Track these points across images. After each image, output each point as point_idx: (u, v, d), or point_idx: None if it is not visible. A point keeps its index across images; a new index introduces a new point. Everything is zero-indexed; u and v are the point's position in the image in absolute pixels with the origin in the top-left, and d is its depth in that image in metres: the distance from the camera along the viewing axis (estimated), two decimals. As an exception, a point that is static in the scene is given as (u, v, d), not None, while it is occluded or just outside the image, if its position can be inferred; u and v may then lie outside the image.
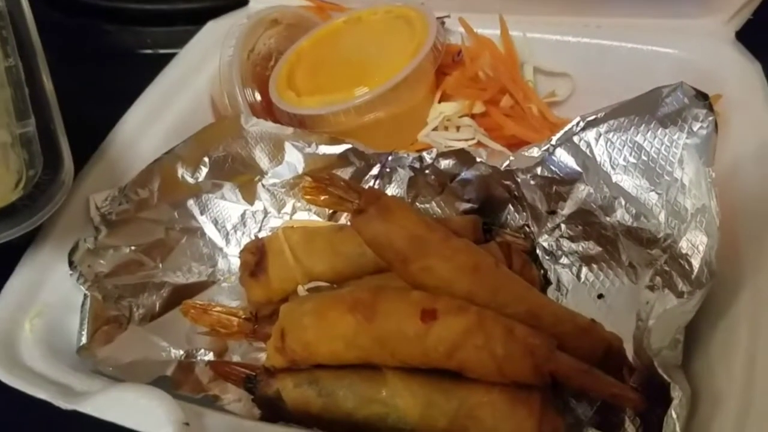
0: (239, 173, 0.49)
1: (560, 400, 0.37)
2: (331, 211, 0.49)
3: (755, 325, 0.35)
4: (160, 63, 0.58)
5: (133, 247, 0.45)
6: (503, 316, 0.35)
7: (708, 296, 0.35)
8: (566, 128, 0.42)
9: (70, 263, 0.42)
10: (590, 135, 0.41)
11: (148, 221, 0.47)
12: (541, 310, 0.38)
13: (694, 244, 0.36)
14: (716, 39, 0.50)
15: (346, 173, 0.48)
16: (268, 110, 0.53)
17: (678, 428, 0.31)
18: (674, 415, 0.32)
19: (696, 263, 0.35)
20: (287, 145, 0.48)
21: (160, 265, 0.47)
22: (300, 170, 0.48)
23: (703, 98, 0.38)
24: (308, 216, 0.50)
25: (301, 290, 0.43)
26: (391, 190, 0.48)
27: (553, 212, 0.44)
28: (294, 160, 0.48)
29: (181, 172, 0.47)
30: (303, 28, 0.56)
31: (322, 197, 0.39)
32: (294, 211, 0.50)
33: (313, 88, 0.50)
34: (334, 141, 0.47)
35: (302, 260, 0.44)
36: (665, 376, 0.33)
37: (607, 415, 0.38)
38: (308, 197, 0.40)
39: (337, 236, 0.45)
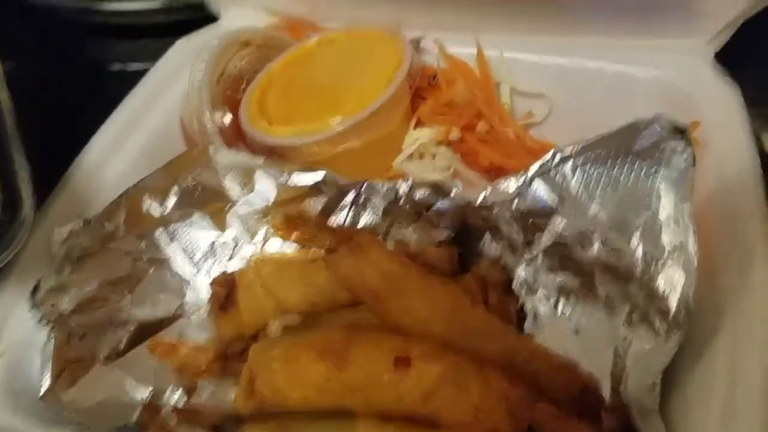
0: (209, 202, 0.47)
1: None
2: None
3: (733, 366, 0.34)
4: (128, 78, 0.56)
5: (98, 282, 0.44)
6: (478, 357, 0.35)
7: (684, 337, 0.34)
8: (542, 160, 0.41)
9: (32, 303, 0.41)
10: (567, 167, 0.40)
11: (113, 253, 0.45)
12: (516, 347, 0.37)
13: (672, 282, 0.36)
14: (696, 61, 0.49)
15: (319, 202, 0.46)
16: (238, 134, 0.51)
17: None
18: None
19: (673, 302, 0.35)
20: (258, 174, 0.46)
21: (126, 300, 0.45)
22: (272, 199, 0.47)
23: (681, 131, 0.37)
24: (281, 244, 0.48)
25: (272, 327, 0.42)
26: (366, 218, 0.46)
27: (529, 243, 0.43)
28: (265, 188, 0.47)
29: (149, 203, 0.45)
30: (275, 49, 0.54)
31: (294, 235, 0.38)
32: (267, 238, 0.49)
33: (285, 115, 0.49)
34: (307, 170, 0.45)
35: (274, 291, 0.43)
36: (640, 422, 0.33)
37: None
38: (280, 233, 0.38)
39: (311, 267, 0.43)
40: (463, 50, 0.54)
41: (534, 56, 0.54)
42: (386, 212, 0.46)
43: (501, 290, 0.42)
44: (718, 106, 0.46)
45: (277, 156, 0.48)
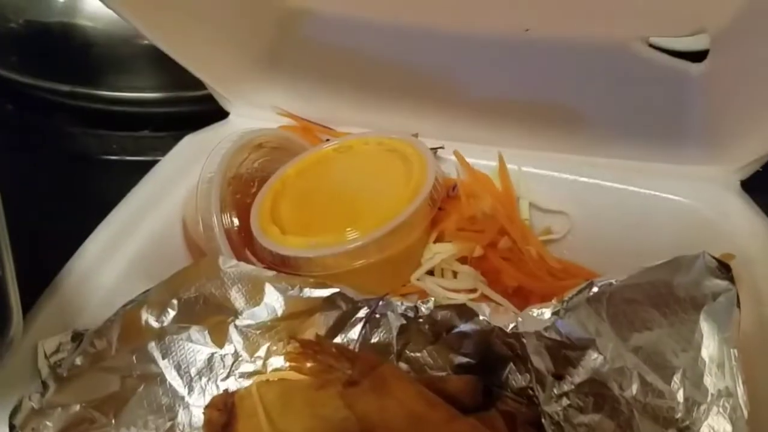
0: (211, 315, 0.44)
1: None
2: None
3: None
4: (125, 170, 0.54)
5: (83, 404, 0.39)
6: None
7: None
8: (578, 289, 0.39)
9: (11, 427, 0.36)
10: (604, 300, 0.38)
11: (102, 371, 0.41)
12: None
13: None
14: (721, 187, 0.48)
15: (330, 317, 0.43)
16: (246, 239, 0.49)
17: None
18: None
19: None
20: (267, 287, 0.43)
21: (113, 421, 0.41)
22: (279, 312, 0.44)
23: (725, 269, 0.36)
24: (284, 362, 0.45)
25: (276, 462, 0.38)
26: (379, 336, 0.43)
27: (560, 377, 0.40)
28: (273, 301, 0.44)
29: (146, 316, 0.42)
30: (289, 152, 0.52)
31: (309, 365, 0.35)
32: (269, 355, 0.45)
33: (299, 225, 0.46)
34: (321, 285, 0.43)
35: (277, 424, 0.39)
36: None
37: None
38: (293, 363, 0.35)
39: (318, 396, 0.40)
40: (481, 162, 0.53)
41: (553, 173, 0.53)
42: (401, 331, 0.43)
43: (530, 428, 0.39)
44: (748, 237, 0.45)
45: (290, 266, 0.45)
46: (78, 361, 0.39)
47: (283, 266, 0.45)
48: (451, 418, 0.34)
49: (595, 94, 0.50)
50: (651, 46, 0.47)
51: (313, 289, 0.43)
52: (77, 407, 0.39)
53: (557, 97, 0.51)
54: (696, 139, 0.48)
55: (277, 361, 0.45)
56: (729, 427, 0.32)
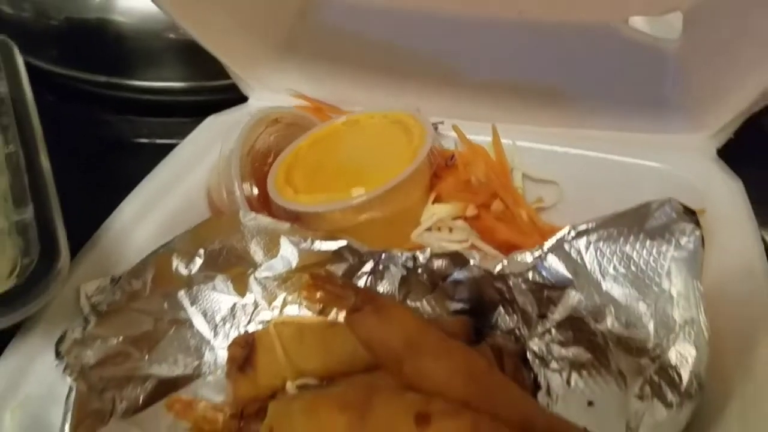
0: (233, 266, 0.49)
1: None
2: (322, 306, 0.49)
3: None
4: (155, 153, 0.59)
5: (120, 338, 0.45)
6: (496, 419, 0.35)
7: (696, 407, 0.35)
8: (558, 236, 0.43)
9: (57, 353, 0.41)
10: (581, 243, 0.42)
11: (137, 312, 0.46)
12: (534, 418, 0.37)
13: (683, 356, 0.37)
14: (699, 155, 0.52)
15: (339, 269, 0.48)
16: (264, 205, 0.54)
17: None
18: None
19: (685, 375, 0.36)
20: (283, 240, 0.48)
21: (147, 357, 0.46)
22: (294, 265, 0.49)
23: (690, 214, 0.40)
24: (298, 309, 0.50)
25: (290, 387, 0.43)
26: (383, 288, 0.48)
27: (543, 316, 0.45)
28: (288, 254, 0.49)
29: (176, 263, 0.47)
30: (302, 128, 0.58)
31: (319, 295, 0.40)
32: (285, 304, 0.50)
33: (310, 185, 0.52)
34: (330, 237, 0.48)
35: (293, 357, 0.44)
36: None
37: None
38: (305, 294, 0.40)
39: (329, 333, 0.45)
40: (478, 137, 0.58)
41: (545, 146, 0.57)
42: (403, 282, 0.48)
43: (516, 361, 0.43)
44: (722, 198, 0.49)
45: (302, 223, 0.50)
46: (116, 297, 0.45)
47: (296, 223, 0.50)
48: (443, 340, 0.39)
49: (581, 72, 0.55)
50: (630, 26, 0.52)
51: (323, 242, 0.48)
52: (115, 341, 0.44)
53: (548, 76, 0.56)
54: (674, 110, 0.53)
55: (292, 310, 0.50)
56: (693, 351, 0.37)
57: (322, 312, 0.50)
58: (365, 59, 0.59)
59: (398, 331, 0.38)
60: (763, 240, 0.47)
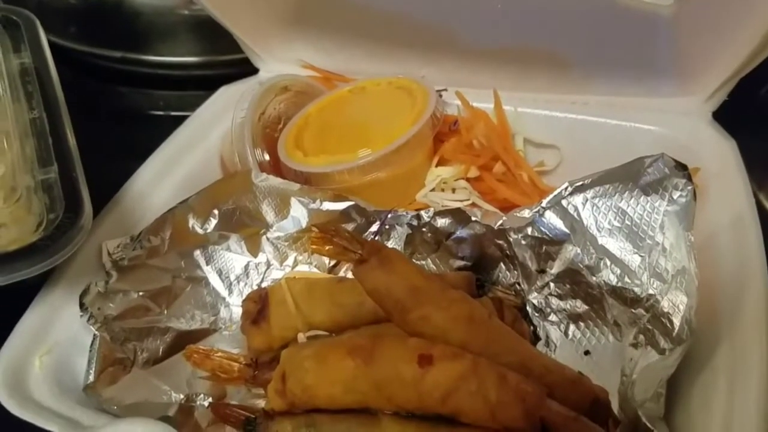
0: (246, 226, 0.51)
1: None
2: (331, 264, 0.52)
3: (732, 378, 0.37)
4: (170, 124, 0.61)
5: (141, 293, 0.47)
6: (495, 363, 0.37)
7: (688, 352, 0.38)
8: (555, 192, 0.45)
9: (81, 305, 0.44)
10: (577, 199, 0.45)
11: (156, 269, 0.48)
12: (531, 362, 0.39)
13: (675, 304, 0.39)
14: (694, 117, 0.54)
15: (347, 228, 0.50)
16: (275, 169, 0.56)
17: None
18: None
19: (677, 322, 0.38)
20: (293, 201, 0.51)
21: (165, 311, 0.48)
22: (304, 225, 0.51)
23: (682, 168, 0.42)
24: (308, 269, 0.52)
25: (301, 337, 0.45)
26: (389, 246, 0.50)
27: (542, 271, 0.47)
28: (299, 214, 0.51)
29: (192, 222, 0.50)
30: (311, 96, 0.60)
31: (327, 247, 0.42)
32: (296, 263, 0.52)
33: (319, 148, 0.54)
34: (338, 198, 0.50)
35: (303, 309, 0.46)
36: (649, 425, 0.35)
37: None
38: (314, 246, 0.42)
39: (337, 287, 0.47)
40: (481, 104, 0.60)
41: (545, 112, 0.59)
42: (408, 241, 0.50)
43: (516, 313, 0.45)
44: (716, 158, 0.51)
45: (311, 182, 0.52)
46: (136, 252, 0.47)
47: (306, 184, 0.52)
48: (445, 288, 0.41)
49: (579, 39, 0.56)
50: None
51: (331, 203, 0.50)
52: (135, 295, 0.47)
53: (546, 43, 0.57)
54: (669, 74, 0.54)
55: (303, 269, 0.53)
56: (685, 299, 0.39)
57: (331, 271, 0.52)
58: (370, 30, 0.61)
59: (403, 281, 0.40)
60: (758, 200, 0.49)
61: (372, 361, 0.38)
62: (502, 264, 0.48)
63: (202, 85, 0.70)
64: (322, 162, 0.52)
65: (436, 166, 0.55)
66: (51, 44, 0.60)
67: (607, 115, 0.57)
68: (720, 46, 0.50)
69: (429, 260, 0.50)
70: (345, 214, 0.50)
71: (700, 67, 0.52)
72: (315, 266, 0.52)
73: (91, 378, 0.42)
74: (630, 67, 0.55)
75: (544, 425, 0.36)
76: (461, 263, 0.49)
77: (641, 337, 0.41)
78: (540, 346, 0.46)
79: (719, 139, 0.52)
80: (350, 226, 0.50)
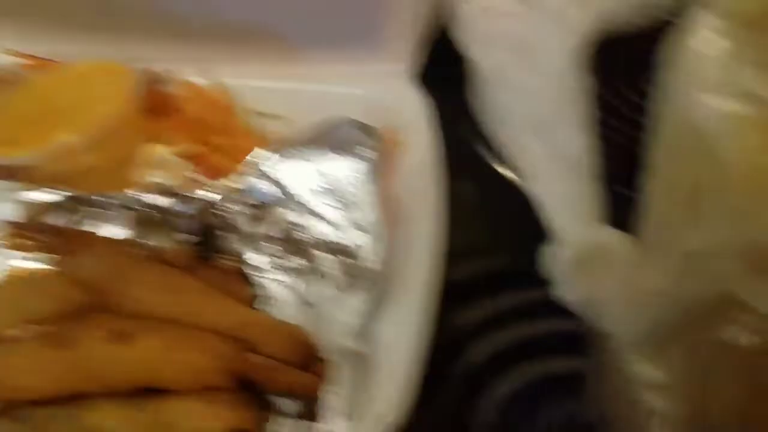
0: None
1: (261, 398, 0.41)
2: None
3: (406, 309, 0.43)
4: None
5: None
6: (197, 328, 0.39)
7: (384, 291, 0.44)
8: (256, 159, 0.49)
9: None
10: (279, 164, 0.49)
11: None
12: (245, 323, 0.42)
13: (376, 251, 0.45)
14: (395, 80, 0.59)
15: (59, 217, 0.49)
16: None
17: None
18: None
19: (375, 266, 0.45)
20: (-2, 195, 0.48)
21: None
22: (12, 219, 0.48)
23: (366, 129, 0.49)
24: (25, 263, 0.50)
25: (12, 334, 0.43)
26: (108, 230, 0.49)
27: (259, 234, 0.49)
28: (6, 209, 0.48)
29: None
30: (9, 83, 0.56)
31: (29, 243, 0.41)
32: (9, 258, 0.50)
33: (19, 138, 0.51)
34: (46, 188, 0.48)
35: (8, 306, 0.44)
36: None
37: (310, 405, 0.43)
38: (15, 242, 0.41)
39: (41, 281, 0.45)
40: (200, 80, 0.60)
41: (267, 83, 0.61)
42: (131, 223, 0.50)
43: (236, 277, 0.48)
44: (413, 114, 0.57)
45: (17, 177, 0.50)
46: None
47: (9, 177, 0.49)
48: (149, 266, 0.42)
49: (289, 12, 0.59)
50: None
51: (38, 192, 0.48)
52: None
53: (261, 16, 0.59)
54: (376, 41, 0.59)
55: (19, 263, 0.50)
56: (365, 237, 0.46)
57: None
58: (78, 12, 0.59)
59: (105, 266, 0.41)
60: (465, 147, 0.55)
61: (75, 349, 0.38)
62: (223, 232, 0.50)
63: None
64: (22, 152, 0.50)
65: (154, 144, 0.54)
66: None
67: (317, 82, 0.60)
68: (410, 12, 0.55)
69: (153, 239, 0.51)
70: (56, 204, 0.49)
71: (398, 32, 0.57)
72: (33, 259, 0.50)
73: None
74: (339, 36, 0.59)
75: (244, 379, 0.39)
76: (185, 237, 0.50)
77: (344, 281, 0.46)
78: (261, 304, 0.49)
79: (415, 97, 0.57)
80: (64, 215, 0.49)
